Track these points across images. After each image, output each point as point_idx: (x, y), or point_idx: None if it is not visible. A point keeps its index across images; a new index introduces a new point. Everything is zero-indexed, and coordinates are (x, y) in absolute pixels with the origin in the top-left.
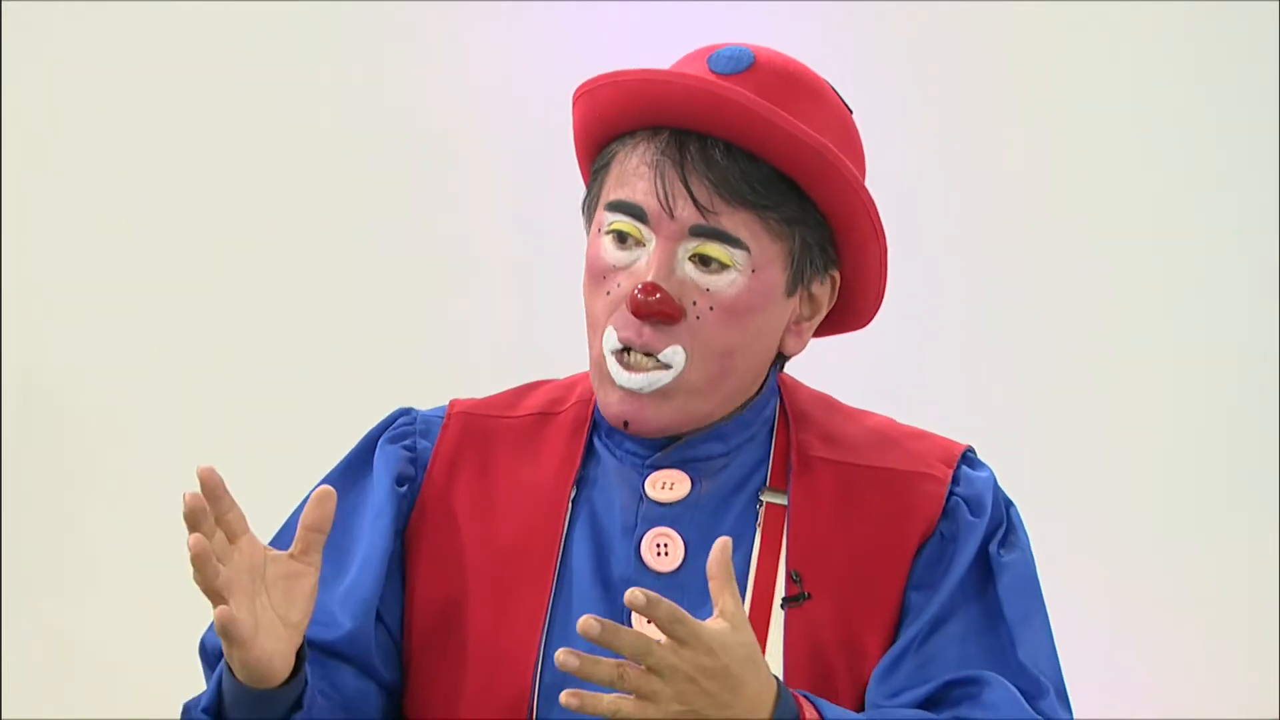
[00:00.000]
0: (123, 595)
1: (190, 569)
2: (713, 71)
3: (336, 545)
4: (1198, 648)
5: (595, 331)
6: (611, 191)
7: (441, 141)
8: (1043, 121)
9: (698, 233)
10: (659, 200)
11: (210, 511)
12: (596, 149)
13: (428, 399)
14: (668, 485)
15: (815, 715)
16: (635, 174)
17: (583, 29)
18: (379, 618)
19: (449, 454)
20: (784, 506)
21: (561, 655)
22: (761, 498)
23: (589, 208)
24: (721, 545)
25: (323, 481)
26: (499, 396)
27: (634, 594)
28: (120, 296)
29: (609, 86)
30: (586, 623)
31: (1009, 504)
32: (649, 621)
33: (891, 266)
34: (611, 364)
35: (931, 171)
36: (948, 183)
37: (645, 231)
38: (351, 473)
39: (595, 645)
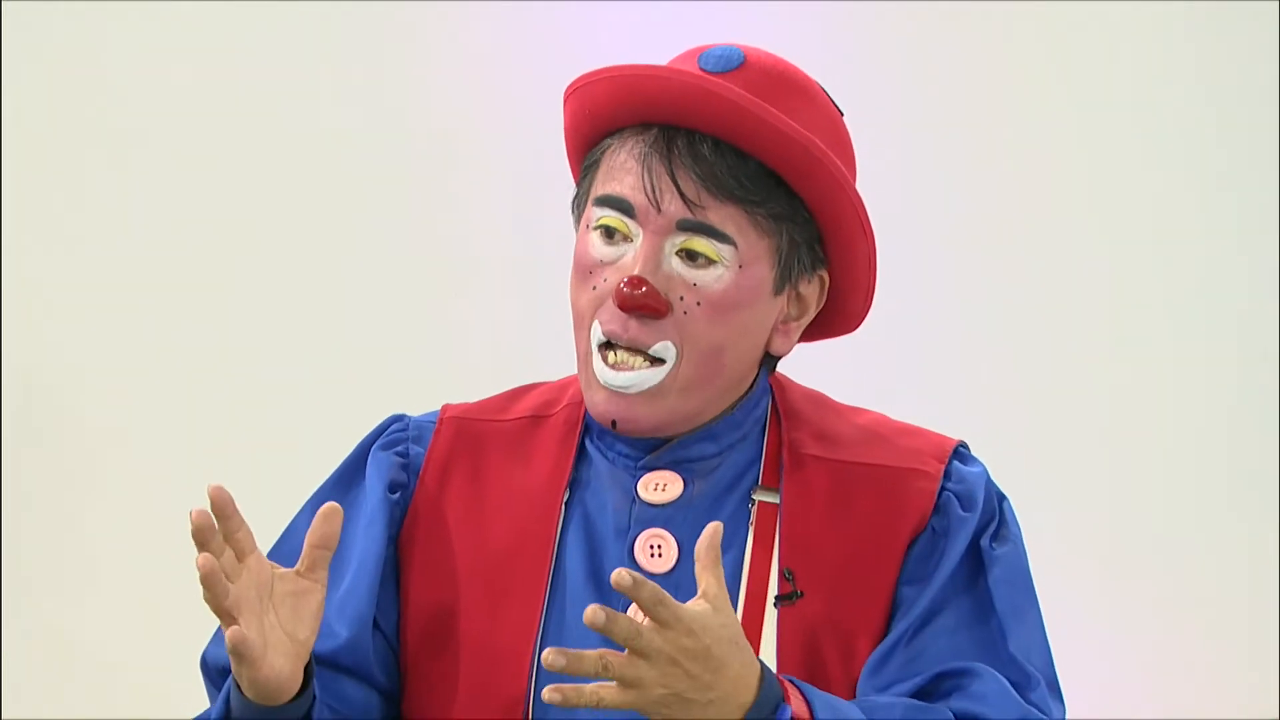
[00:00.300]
0: (123, 595)
1: (191, 573)
2: (703, 70)
3: None
4: (1197, 648)
5: (581, 328)
6: (599, 187)
7: (441, 141)
8: (1043, 121)
9: (685, 227)
10: (646, 194)
11: (219, 530)
12: (587, 146)
13: (427, 399)
14: (660, 486)
15: (799, 696)
16: (623, 168)
17: (582, 29)
18: (375, 625)
19: (441, 459)
20: (776, 505)
21: (549, 656)
22: (754, 496)
23: (578, 205)
24: (712, 530)
25: (317, 491)
26: (491, 400)
27: (620, 574)
28: (120, 296)
29: (600, 82)
30: (594, 612)
31: (1001, 498)
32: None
33: (891, 266)
34: (597, 362)
35: (931, 171)
36: (947, 183)
37: (632, 226)
38: (345, 482)
39: (599, 638)
